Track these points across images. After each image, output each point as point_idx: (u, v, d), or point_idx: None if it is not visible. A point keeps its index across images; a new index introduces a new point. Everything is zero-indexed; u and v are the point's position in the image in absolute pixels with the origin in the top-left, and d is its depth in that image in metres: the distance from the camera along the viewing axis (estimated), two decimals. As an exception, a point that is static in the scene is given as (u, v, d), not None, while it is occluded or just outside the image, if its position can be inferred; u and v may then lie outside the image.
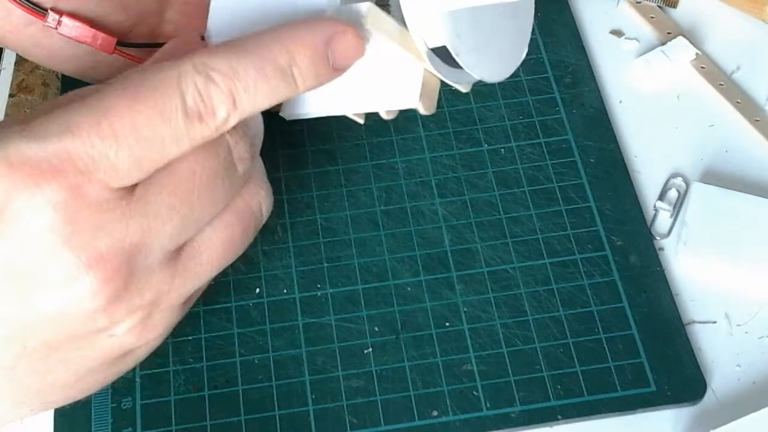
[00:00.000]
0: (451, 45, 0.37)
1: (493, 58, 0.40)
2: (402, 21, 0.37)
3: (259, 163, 0.38)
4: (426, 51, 0.38)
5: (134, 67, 0.36)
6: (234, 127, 0.34)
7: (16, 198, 0.30)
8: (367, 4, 0.37)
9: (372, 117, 0.55)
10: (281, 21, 0.40)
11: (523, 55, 0.42)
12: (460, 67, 0.38)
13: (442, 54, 0.38)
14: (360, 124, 0.45)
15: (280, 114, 0.45)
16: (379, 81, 0.40)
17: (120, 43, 0.47)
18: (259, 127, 0.37)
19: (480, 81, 0.40)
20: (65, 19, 0.45)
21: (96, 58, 0.47)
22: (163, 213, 0.33)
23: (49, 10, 0.45)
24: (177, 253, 0.35)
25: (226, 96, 0.33)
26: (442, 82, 0.41)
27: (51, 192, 0.30)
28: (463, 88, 0.42)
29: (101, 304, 0.32)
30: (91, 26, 0.46)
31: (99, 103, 0.31)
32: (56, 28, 0.45)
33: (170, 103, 0.32)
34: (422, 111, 0.40)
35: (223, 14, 0.41)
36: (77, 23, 0.45)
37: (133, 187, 0.32)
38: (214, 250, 0.36)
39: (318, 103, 0.42)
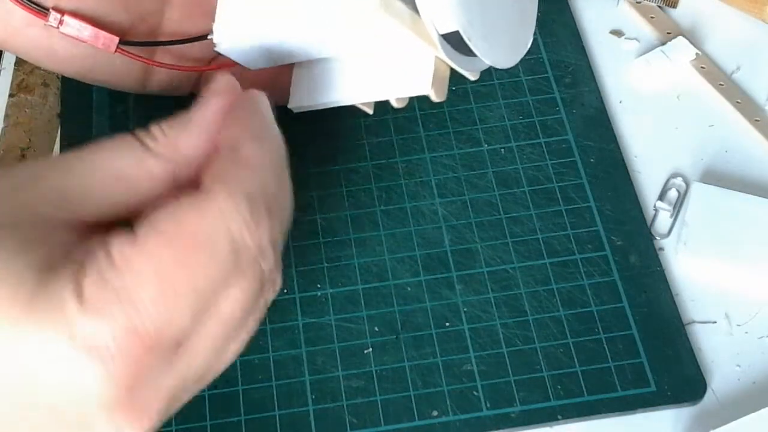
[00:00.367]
0: (463, 30, 0.37)
1: (502, 44, 0.40)
2: (414, 7, 0.37)
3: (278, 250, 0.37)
4: (438, 37, 0.38)
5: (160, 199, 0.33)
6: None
7: (75, 374, 0.29)
8: None
9: (373, 116, 0.56)
10: (289, 21, 0.40)
11: (530, 42, 0.42)
12: (471, 55, 0.38)
13: (453, 41, 0.38)
14: (368, 115, 0.45)
15: (288, 106, 0.45)
16: (391, 68, 0.40)
17: (122, 42, 0.47)
18: (287, 221, 0.36)
19: (490, 67, 0.40)
20: (67, 18, 0.45)
21: (96, 58, 0.47)
22: (208, 352, 0.32)
23: (50, 10, 0.45)
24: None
25: (270, 220, 0.32)
26: (452, 69, 0.41)
27: (110, 370, 0.29)
28: (472, 76, 0.42)
29: None
30: (92, 25, 0.46)
31: (150, 259, 0.30)
32: (58, 28, 0.45)
33: (222, 253, 0.31)
34: (434, 98, 0.40)
35: (229, 17, 0.41)
36: (79, 22, 0.45)
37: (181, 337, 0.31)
38: (235, 352, 0.35)
39: (327, 93, 0.42)
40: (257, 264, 0.33)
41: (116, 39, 0.46)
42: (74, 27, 0.45)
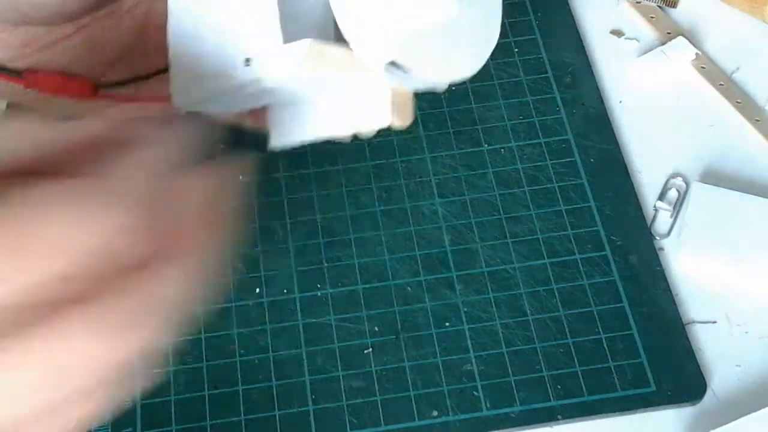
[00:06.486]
0: (402, 60, 0.35)
1: (459, 53, 0.37)
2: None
3: None
4: (384, 67, 0.36)
5: None
6: None
7: None
8: (307, 41, 0.35)
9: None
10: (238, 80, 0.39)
11: (495, 39, 0.40)
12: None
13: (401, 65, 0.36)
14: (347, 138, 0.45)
15: (269, 147, 0.45)
16: (354, 102, 0.39)
17: (101, 86, 0.46)
18: None
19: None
20: (42, 78, 0.45)
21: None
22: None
23: (24, 73, 0.45)
24: None
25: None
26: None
27: None
28: (439, 88, 0.41)
29: None
30: (67, 78, 0.45)
31: None
32: (35, 88, 0.45)
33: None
34: (397, 125, 0.39)
35: (184, 78, 0.41)
36: (53, 78, 0.45)
37: None
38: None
39: (302, 131, 0.42)
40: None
41: (92, 87, 0.46)
42: (50, 85, 0.45)
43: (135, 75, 0.48)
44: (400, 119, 0.39)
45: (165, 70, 0.47)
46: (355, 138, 0.55)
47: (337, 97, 0.39)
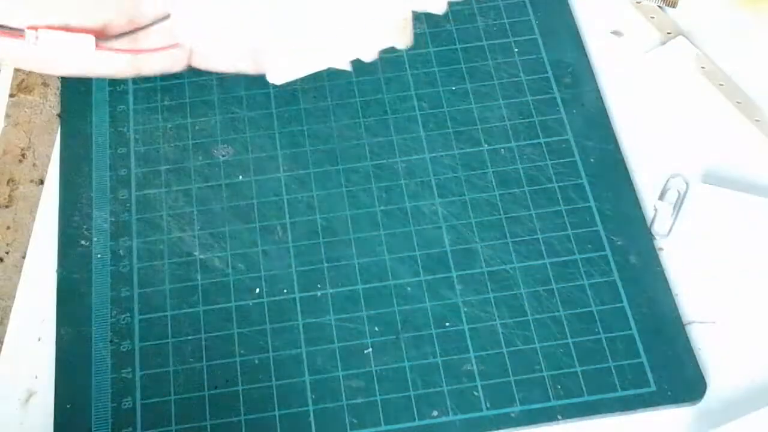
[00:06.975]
0: None
1: None
2: None
3: None
4: None
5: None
6: None
7: None
8: None
9: (373, 116, 0.55)
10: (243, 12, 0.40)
11: None
12: None
13: None
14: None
15: (269, 81, 0.45)
16: (353, 28, 0.40)
17: (99, 39, 0.47)
18: None
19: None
20: (42, 33, 0.45)
21: (85, 58, 0.48)
22: None
23: (25, 29, 0.45)
24: None
25: None
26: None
27: None
28: (439, 10, 0.41)
29: None
30: (68, 32, 0.46)
31: None
32: (36, 44, 0.45)
33: None
34: (399, 46, 0.40)
35: (185, 12, 0.42)
36: (54, 33, 0.45)
37: None
38: None
39: (304, 63, 0.42)
40: None
41: (92, 39, 0.46)
42: (51, 39, 0.45)
43: (134, 27, 0.48)
44: (402, 39, 0.40)
45: (161, 19, 0.47)
46: (358, 138, 0.55)
47: (334, 25, 0.40)
